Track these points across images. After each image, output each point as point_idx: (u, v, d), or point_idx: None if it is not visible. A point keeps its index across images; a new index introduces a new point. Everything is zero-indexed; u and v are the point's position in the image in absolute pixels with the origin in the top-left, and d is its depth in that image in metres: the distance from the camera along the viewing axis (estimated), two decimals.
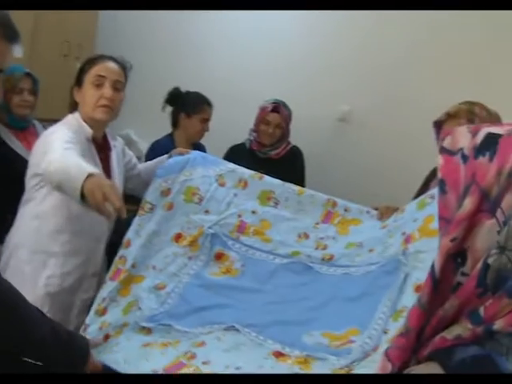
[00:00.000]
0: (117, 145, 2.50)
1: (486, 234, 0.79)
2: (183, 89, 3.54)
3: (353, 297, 2.09)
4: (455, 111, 2.35)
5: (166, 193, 2.41)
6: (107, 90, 2.25)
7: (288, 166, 3.53)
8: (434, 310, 0.84)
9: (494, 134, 0.83)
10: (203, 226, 2.40)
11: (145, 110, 4.25)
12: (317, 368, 1.79)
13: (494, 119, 2.34)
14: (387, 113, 4.03)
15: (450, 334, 0.83)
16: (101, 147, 2.36)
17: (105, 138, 2.42)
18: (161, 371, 1.81)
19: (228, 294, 2.22)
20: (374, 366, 1.47)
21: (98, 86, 2.25)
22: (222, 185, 2.51)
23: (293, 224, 2.44)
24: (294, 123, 3.55)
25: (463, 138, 0.86)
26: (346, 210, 2.45)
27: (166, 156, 2.62)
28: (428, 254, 1.90)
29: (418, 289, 1.85)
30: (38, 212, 2.20)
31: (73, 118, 2.30)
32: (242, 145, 3.61)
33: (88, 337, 1.92)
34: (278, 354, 1.88)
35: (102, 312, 2.09)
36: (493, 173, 0.79)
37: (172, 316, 2.11)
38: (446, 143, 0.89)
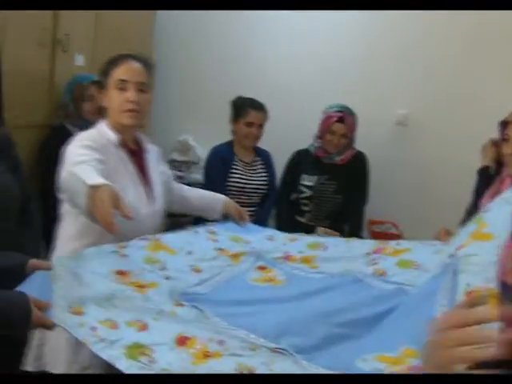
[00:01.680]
0: (152, 150, 2.44)
1: None
2: (240, 93, 3.56)
3: (406, 311, 1.93)
4: None
5: (211, 232, 2.43)
6: (131, 94, 2.17)
7: (353, 171, 3.53)
8: None
9: None
10: (246, 251, 2.34)
11: (202, 116, 4.30)
12: None
13: None
14: (446, 115, 3.96)
15: None
16: (134, 151, 2.30)
17: (137, 141, 2.36)
18: None
19: (271, 298, 2.01)
20: None
21: (122, 89, 2.18)
22: (271, 240, 2.50)
23: (343, 256, 2.33)
24: None
25: None
26: (397, 244, 2.33)
27: (221, 201, 2.62)
28: (481, 257, 1.74)
29: (469, 295, 1.69)
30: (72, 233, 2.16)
31: (96, 129, 2.24)
32: (307, 150, 3.60)
33: None
34: None
35: (122, 246, 2.02)
36: None
37: (206, 299, 1.90)
38: None
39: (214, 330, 1.68)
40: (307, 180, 3.52)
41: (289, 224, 3.50)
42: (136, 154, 2.31)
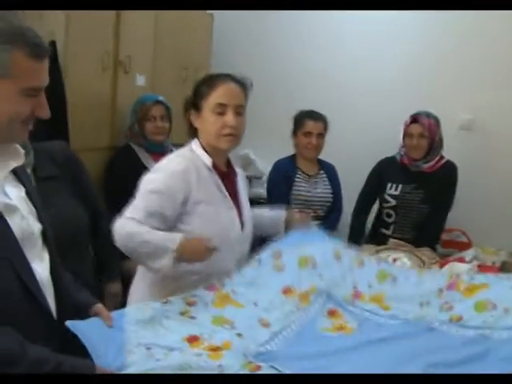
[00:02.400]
0: (240, 173, 2.40)
1: None
2: (304, 104, 3.56)
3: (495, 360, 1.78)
4: None
5: (277, 255, 2.27)
6: (230, 118, 2.11)
7: (441, 180, 3.46)
8: None
9: None
10: (316, 285, 2.19)
11: (263, 130, 4.29)
12: None
13: None
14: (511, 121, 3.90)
15: None
16: (225, 174, 2.26)
17: (229, 163, 2.32)
18: None
19: (344, 348, 1.87)
20: None
21: (220, 113, 2.11)
22: (337, 258, 2.34)
23: (414, 292, 2.21)
24: None
25: None
26: (471, 278, 2.19)
27: (282, 215, 2.52)
28: None
29: None
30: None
31: (190, 150, 2.21)
32: (393, 158, 3.58)
33: (167, 308, 1.84)
34: None
35: (191, 302, 1.93)
36: None
37: (281, 355, 1.79)
38: None
39: None
40: (393, 189, 3.50)
41: (371, 236, 3.58)
42: (228, 178, 2.27)
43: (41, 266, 1.49)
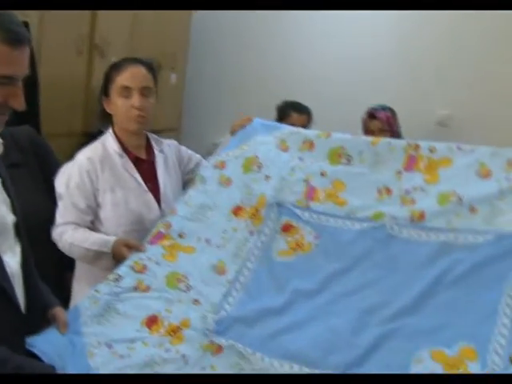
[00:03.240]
0: (165, 148, 2.39)
1: None
2: (283, 95, 3.58)
3: (458, 282, 1.73)
4: None
5: (220, 166, 2.24)
6: (136, 100, 2.16)
7: None
8: None
9: None
10: (265, 194, 2.11)
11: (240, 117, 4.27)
12: None
13: None
14: (488, 116, 3.92)
15: None
16: (139, 158, 2.28)
17: (148, 145, 2.35)
18: None
19: (303, 292, 1.85)
20: None
21: (126, 96, 2.17)
22: (284, 150, 2.25)
23: (370, 178, 2.07)
24: None
25: None
26: (431, 151, 2.03)
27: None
28: None
29: None
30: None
31: (101, 140, 2.27)
32: None
33: (119, 289, 1.83)
34: None
35: (141, 269, 1.91)
36: None
37: (240, 321, 1.79)
38: None
39: (260, 369, 1.65)
40: None
41: None
42: (143, 161, 2.29)
43: (13, 260, 1.46)
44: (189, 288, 1.88)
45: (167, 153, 2.39)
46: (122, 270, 1.89)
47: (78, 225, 2.13)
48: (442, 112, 4.06)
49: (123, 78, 2.17)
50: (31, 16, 2.73)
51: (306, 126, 3.46)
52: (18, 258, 1.49)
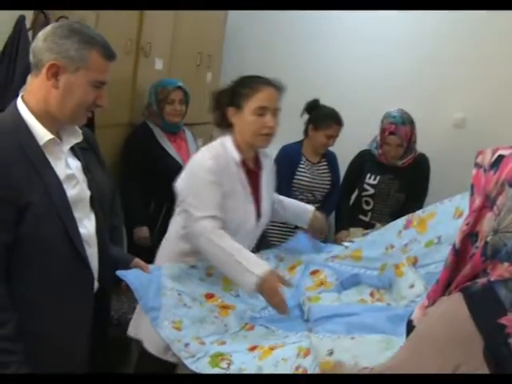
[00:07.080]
0: (267, 162, 2.53)
1: (488, 222, 1.11)
2: (307, 95, 3.74)
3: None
4: None
5: (279, 258, 2.66)
6: (270, 120, 2.28)
7: (414, 173, 3.68)
8: (459, 271, 1.16)
9: (502, 155, 1.13)
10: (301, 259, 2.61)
11: None
12: None
13: None
14: (501, 118, 4.11)
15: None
16: (251, 170, 2.40)
17: (257, 157, 2.47)
18: None
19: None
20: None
21: (260, 114, 2.28)
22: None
23: (379, 239, 2.56)
24: None
25: (487, 156, 1.16)
26: (423, 212, 2.47)
27: (309, 211, 2.72)
28: None
29: None
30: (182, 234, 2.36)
31: (221, 146, 2.34)
32: (370, 151, 3.77)
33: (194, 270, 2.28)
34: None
35: (209, 274, 2.31)
36: (493, 182, 1.11)
37: (272, 320, 2.22)
38: (479, 159, 1.19)
39: (277, 338, 2.10)
40: (371, 179, 3.71)
41: (350, 222, 3.75)
42: (254, 173, 2.43)
43: (89, 224, 1.84)
44: (237, 296, 2.34)
45: (269, 167, 2.55)
46: (200, 263, 2.30)
47: (217, 218, 2.19)
48: (458, 115, 4.25)
49: (261, 99, 2.28)
50: (89, 19, 3.02)
51: (335, 136, 3.68)
52: (93, 223, 1.87)
